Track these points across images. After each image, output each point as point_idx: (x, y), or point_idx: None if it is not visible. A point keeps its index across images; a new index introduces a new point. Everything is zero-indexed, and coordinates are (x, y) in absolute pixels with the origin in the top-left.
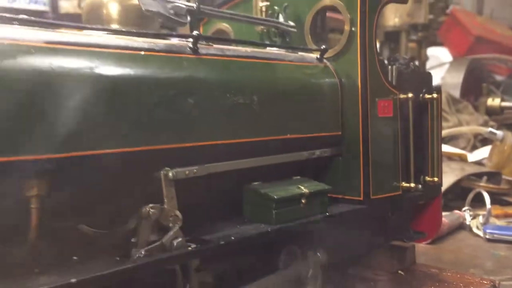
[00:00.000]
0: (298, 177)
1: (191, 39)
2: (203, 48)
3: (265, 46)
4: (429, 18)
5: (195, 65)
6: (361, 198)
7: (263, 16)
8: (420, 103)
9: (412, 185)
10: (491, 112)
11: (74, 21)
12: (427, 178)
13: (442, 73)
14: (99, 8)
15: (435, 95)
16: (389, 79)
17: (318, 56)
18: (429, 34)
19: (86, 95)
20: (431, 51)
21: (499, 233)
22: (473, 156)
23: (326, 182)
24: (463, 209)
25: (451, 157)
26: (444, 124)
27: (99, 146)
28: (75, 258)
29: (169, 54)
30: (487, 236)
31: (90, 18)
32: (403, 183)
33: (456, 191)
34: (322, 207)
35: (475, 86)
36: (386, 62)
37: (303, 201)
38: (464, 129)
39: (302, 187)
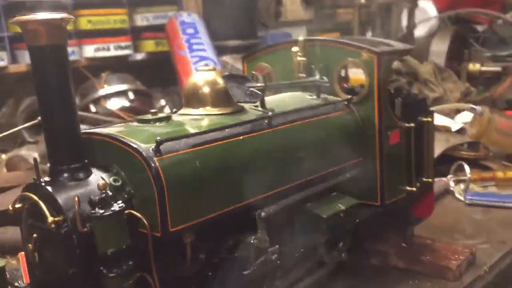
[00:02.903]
0: (335, 193)
1: (267, 119)
2: (274, 119)
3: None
4: None
5: (271, 136)
6: (379, 204)
7: (300, 69)
8: (419, 123)
9: (414, 188)
10: (472, 77)
11: None
12: (424, 179)
13: (428, 28)
14: (196, 91)
15: (429, 119)
16: (396, 111)
17: (346, 103)
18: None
19: (219, 176)
20: (419, 3)
21: (477, 199)
22: (455, 124)
23: (352, 190)
24: (448, 176)
25: (438, 128)
26: (430, 94)
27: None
28: None
29: (256, 134)
30: (467, 202)
31: (189, 99)
32: (407, 187)
33: (443, 159)
34: (354, 215)
35: (459, 52)
36: (392, 91)
37: (341, 214)
38: (448, 106)
39: (340, 205)
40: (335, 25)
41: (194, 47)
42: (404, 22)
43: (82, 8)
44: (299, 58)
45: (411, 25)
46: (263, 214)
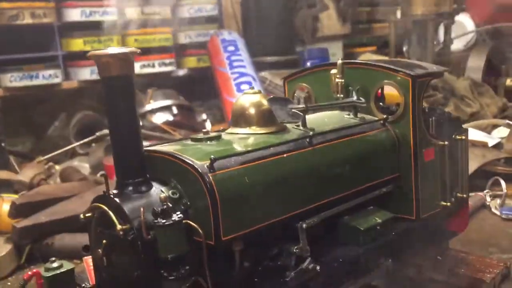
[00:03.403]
0: (371, 207)
1: (308, 138)
2: (314, 138)
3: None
4: (453, 7)
5: (312, 154)
6: (414, 217)
7: (339, 90)
8: (452, 141)
9: (448, 203)
10: (510, 92)
11: None
12: (458, 195)
13: (465, 42)
14: (243, 112)
15: (463, 137)
16: (430, 129)
17: (382, 122)
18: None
19: (265, 190)
20: (457, 18)
21: None
22: (492, 139)
23: (389, 205)
24: (484, 191)
25: (474, 143)
26: (467, 109)
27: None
28: None
29: (298, 152)
30: (503, 216)
31: (236, 119)
32: (442, 202)
33: (479, 174)
34: (390, 228)
35: (496, 68)
36: (426, 110)
37: (378, 227)
38: (484, 122)
39: (377, 218)
40: (371, 39)
41: (235, 64)
42: (441, 36)
43: (130, 28)
44: (337, 80)
45: (448, 41)
46: (304, 225)
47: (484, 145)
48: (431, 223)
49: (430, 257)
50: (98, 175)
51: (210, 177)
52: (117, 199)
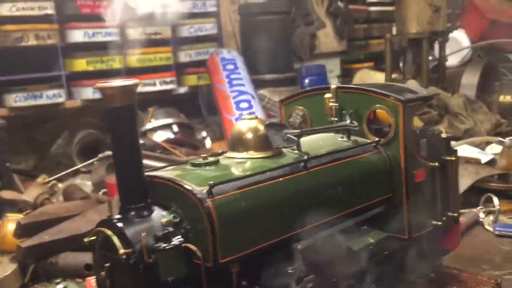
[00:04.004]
0: (365, 227)
1: (303, 162)
2: (309, 162)
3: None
4: (447, 25)
5: (307, 177)
6: (407, 237)
7: (333, 113)
8: (443, 161)
9: (440, 222)
10: (503, 109)
11: None
12: (449, 214)
13: (460, 58)
14: (241, 136)
15: (453, 158)
16: (421, 151)
17: (374, 145)
18: (447, 38)
19: (261, 214)
20: (451, 34)
21: (506, 230)
22: (485, 156)
23: (381, 224)
24: (478, 208)
25: (468, 160)
26: (461, 126)
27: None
28: None
29: (294, 175)
30: (496, 233)
31: (234, 144)
32: (433, 221)
33: (473, 191)
34: (383, 248)
35: (489, 85)
36: (417, 132)
37: (371, 247)
38: (476, 139)
39: (370, 238)
40: (369, 55)
41: (234, 82)
42: (437, 52)
43: (132, 47)
44: (331, 104)
45: (442, 58)
46: (299, 246)
47: (477, 161)
48: (424, 242)
49: (423, 274)
50: (100, 193)
51: (209, 202)
52: (120, 224)
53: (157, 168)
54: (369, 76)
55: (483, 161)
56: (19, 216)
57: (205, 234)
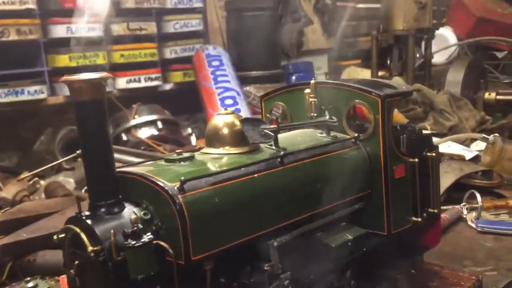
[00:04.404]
0: (344, 223)
1: (279, 158)
2: (286, 158)
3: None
4: (433, 22)
5: (283, 173)
6: (386, 233)
7: (312, 109)
8: (423, 158)
9: (419, 219)
10: (488, 106)
11: None
12: (430, 210)
13: (447, 55)
14: (217, 131)
15: (434, 154)
16: (401, 147)
17: (353, 140)
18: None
19: (236, 210)
20: (438, 32)
21: (488, 226)
22: (470, 152)
23: (360, 221)
24: (461, 204)
25: (453, 157)
26: (446, 123)
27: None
28: None
29: (270, 171)
30: (479, 229)
31: (210, 140)
32: (413, 217)
33: (457, 187)
34: (362, 244)
35: (475, 82)
36: (398, 128)
37: (349, 243)
38: (460, 136)
39: (349, 235)
40: (356, 52)
41: (219, 78)
42: (423, 50)
43: (116, 43)
44: (310, 99)
45: (428, 55)
46: (275, 243)
47: (462, 158)
48: (403, 238)
49: (404, 271)
50: (83, 191)
51: (180, 199)
52: (89, 221)
53: (131, 164)
54: (356, 73)
55: (467, 158)
56: None
57: (176, 231)
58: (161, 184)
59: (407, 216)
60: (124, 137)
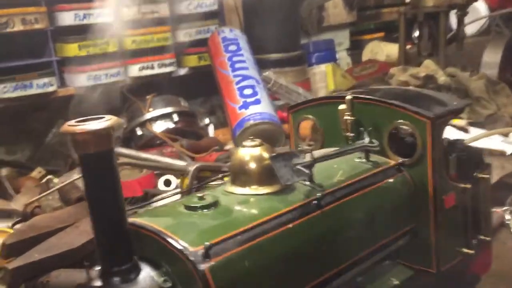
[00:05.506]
0: (387, 262)
1: (316, 200)
2: (323, 199)
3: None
4: None
5: (321, 219)
6: (435, 271)
7: (349, 127)
8: (475, 180)
9: (471, 251)
10: None
11: None
12: (481, 237)
13: (477, 27)
14: (242, 167)
15: (486, 176)
16: (450, 169)
17: (397, 167)
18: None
19: (267, 271)
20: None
21: None
22: (510, 145)
23: (404, 256)
24: (503, 208)
25: (492, 152)
26: (483, 111)
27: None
28: None
29: (306, 218)
30: None
31: (235, 176)
32: (464, 249)
33: (498, 188)
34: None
35: None
36: (445, 144)
37: None
38: (498, 131)
39: (394, 279)
40: (379, 25)
41: (237, 65)
42: (453, 24)
43: (127, 28)
44: (346, 118)
45: (461, 34)
46: None
47: (502, 153)
48: (452, 273)
49: None
50: None
51: (205, 268)
52: None
53: (143, 205)
54: (380, 49)
55: (508, 153)
56: (7, 231)
57: None
58: (182, 249)
59: (457, 248)
60: (139, 131)
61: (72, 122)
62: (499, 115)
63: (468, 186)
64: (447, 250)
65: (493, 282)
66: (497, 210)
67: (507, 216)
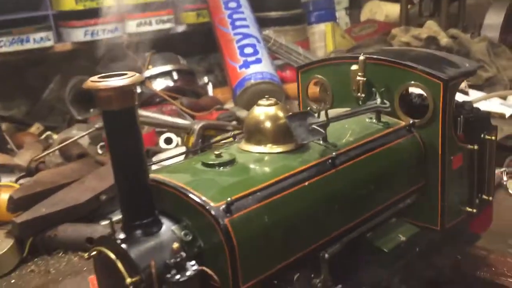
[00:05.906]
0: (394, 219)
1: (330, 159)
2: (337, 158)
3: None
4: None
5: (336, 177)
6: (439, 228)
7: (360, 88)
8: (482, 141)
9: (474, 209)
10: None
11: None
12: (484, 197)
13: None
14: (258, 125)
15: (493, 137)
16: (458, 130)
17: (408, 128)
18: None
19: (285, 227)
20: None
21: None
22: (510, 108)
23: (410, 213)
24: (501, 169)
25: (491, 115)
26: (483, 74)
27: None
28: None
29: (321, 176)
30: None
31: (250, 135)
32: (467, 208)
33: (496, 150)
34: (415, 244)
35: None
36: (454, 106)
37: (402, 245)
38: (498, 93)
39: (401, 235)
40: None
41: (237, 23)
42: None
43: None
44: (358, 78)
45: None
46: (326, 255)
47: (501, 116)
48: (455, 230)
49: (449, 256)
50: (98, 147)
51: (227, 223)
52: (124, 246)
53: (162, 160)
54: (379, 8)
55: (507, 115)
56: (13, 185)
57: (223, 257)
58: (204, 204)
59: (461, 207)
60: (138, 89)
61: (95, 78)
62: (499, 78)
63: (476, 147)
64: (452, 208)
65: (489, 239)
66: (496, 172)
67: (505, 177)
